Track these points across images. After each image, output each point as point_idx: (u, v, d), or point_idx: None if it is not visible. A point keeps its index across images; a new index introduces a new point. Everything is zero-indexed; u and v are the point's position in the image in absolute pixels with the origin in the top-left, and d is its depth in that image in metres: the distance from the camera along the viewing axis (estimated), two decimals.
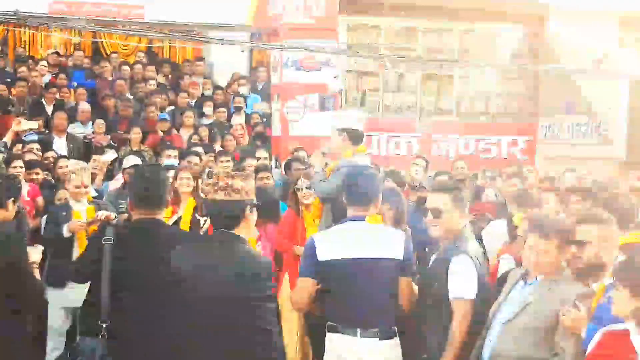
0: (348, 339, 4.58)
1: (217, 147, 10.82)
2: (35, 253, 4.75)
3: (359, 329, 4.58)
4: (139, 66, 13.83)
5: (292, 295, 4.93)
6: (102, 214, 5.10)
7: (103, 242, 4.33)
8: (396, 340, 4.63)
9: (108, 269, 4.27)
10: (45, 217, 7.16)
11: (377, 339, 4.57)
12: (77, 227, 6.59)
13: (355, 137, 6.38)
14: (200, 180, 7.39)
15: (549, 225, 4.34)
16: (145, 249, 4.25)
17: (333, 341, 4.66)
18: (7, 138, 8.60)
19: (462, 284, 4.48)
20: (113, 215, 4.97)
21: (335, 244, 4.68)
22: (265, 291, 3.94)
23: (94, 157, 9.13)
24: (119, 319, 4.21)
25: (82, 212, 6.76)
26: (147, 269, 4.15)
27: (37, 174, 7.91)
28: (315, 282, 4.65)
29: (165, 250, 4.06)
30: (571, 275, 4.22)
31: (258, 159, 9.67)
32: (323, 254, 4.64)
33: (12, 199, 4.93)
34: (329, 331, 4.69)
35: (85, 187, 6.95)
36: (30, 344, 4.46)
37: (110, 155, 9.47)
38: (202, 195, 4.31)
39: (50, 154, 9.14)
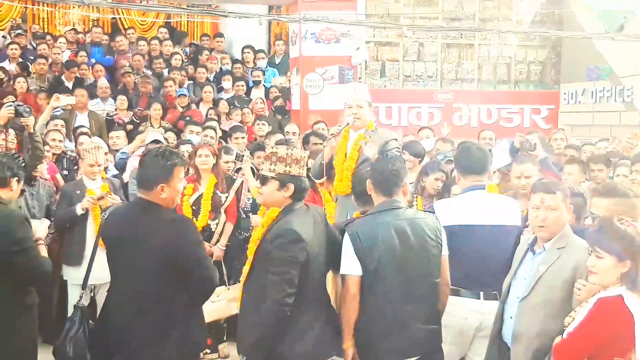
0: (471, 301, 4.83)
1: (236, 122, 10.83)
2: (40, 229, 4.75)
3: (481, 292, 4.87)
4: (155, 42, 13.80)
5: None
6: (115, 197, 5.08)
7: (102, 218, 4.41)
8: None
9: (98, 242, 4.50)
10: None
11: (497, 300, 4.74)
12: (88, 204, 6.60)
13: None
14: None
15: (550, 183, 4.41)
16: (128, 227, 4.26)
17: (453, 304, 4.78)
18: (46, 114, 8.62)
19: (342, 261, 4.42)
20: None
21: (458, 211, 4.86)
22: None
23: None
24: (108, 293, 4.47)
25: (95, 190, 6.75)
26: (129, 246, 4.19)
27: (48, 151, 7.88)
28: None
29: (149, 229, 4.16)
30: (578, 241, 4.21)
31: (287, 133, 9.69)
32: (446, 220, 4.76)
33: (16, 178, 4.83)
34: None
35: (99, 165, 6.93)
36: (29, 315, 4.67)
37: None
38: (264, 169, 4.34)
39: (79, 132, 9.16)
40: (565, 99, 13.70)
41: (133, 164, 8.04)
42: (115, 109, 11.15)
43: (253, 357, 4.15)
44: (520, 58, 14.46)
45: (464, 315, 4.82)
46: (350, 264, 4.36)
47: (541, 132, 10.23)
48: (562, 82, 14.04)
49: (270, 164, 4.29)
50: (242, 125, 10.41)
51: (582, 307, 3.79)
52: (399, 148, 6.40)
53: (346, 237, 4.38)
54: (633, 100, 11.99)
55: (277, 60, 14.10)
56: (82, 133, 8.89)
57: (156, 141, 8.01)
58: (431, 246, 4.44)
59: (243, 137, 9.26)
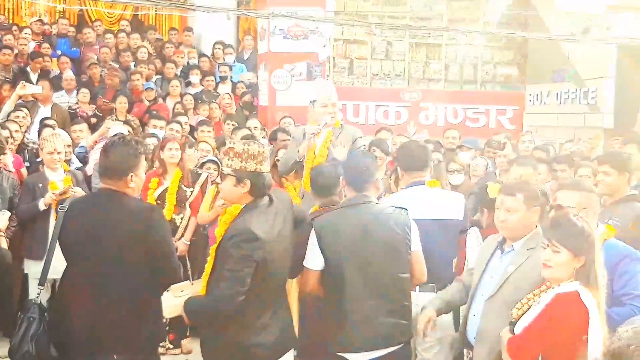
0: None
1: (203, 116, 10.78)
2: (0, 220, 4.67)
3: (417, 285, 4.84)
4: (122, 34, 13.66)
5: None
6: (77, 190, 5.00)
7: (58, 210, 4.41)
8: None
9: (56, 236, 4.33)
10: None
11: (434, 292, 4.90)
12: (51, 199, 6.49)
13: None
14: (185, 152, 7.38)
15: (514, 185, 4.42)
16: (98, 218, 4.18)
17: None
18: (12, 102, 8.44)
19: (306, 253, 4.47)
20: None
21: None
22: None
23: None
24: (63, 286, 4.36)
25: (58, 183, 6.65)
26: (96, 236, 4.11)
27: (12, 143, 7.74)
28: None
29: (124, 218, 4.12)
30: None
31: (249, 128, 9.66)
32: None
33: None
34: None
35: (59, 153, 6.80)
36: None
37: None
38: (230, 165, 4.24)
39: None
40: (530, 100, 13.85)
41: (95, 157, 7.95)
42: (77, 102, 11.03)
43: (189, 316, 4.20)
44: (487, 59, 14.58)
45: None
46: (312, 258, 4.41)
47: (508, 133, 10.35)
48: (528, 83, 14.18)
49: (228, 160, 4.22)
50: (208, 119, 10.36)
51: (536, 301, 3.77)
52: (365, 145, 6.48)
53: (312, 231, 4.43)
54: (597, 102, 12.14)
55: (246, 56, 14.03)
56: (47, 125, 8.77)
57: (119, 134, 7.93)
58: (398, 241, 4.45)
59: (209, 131, 9.25)
